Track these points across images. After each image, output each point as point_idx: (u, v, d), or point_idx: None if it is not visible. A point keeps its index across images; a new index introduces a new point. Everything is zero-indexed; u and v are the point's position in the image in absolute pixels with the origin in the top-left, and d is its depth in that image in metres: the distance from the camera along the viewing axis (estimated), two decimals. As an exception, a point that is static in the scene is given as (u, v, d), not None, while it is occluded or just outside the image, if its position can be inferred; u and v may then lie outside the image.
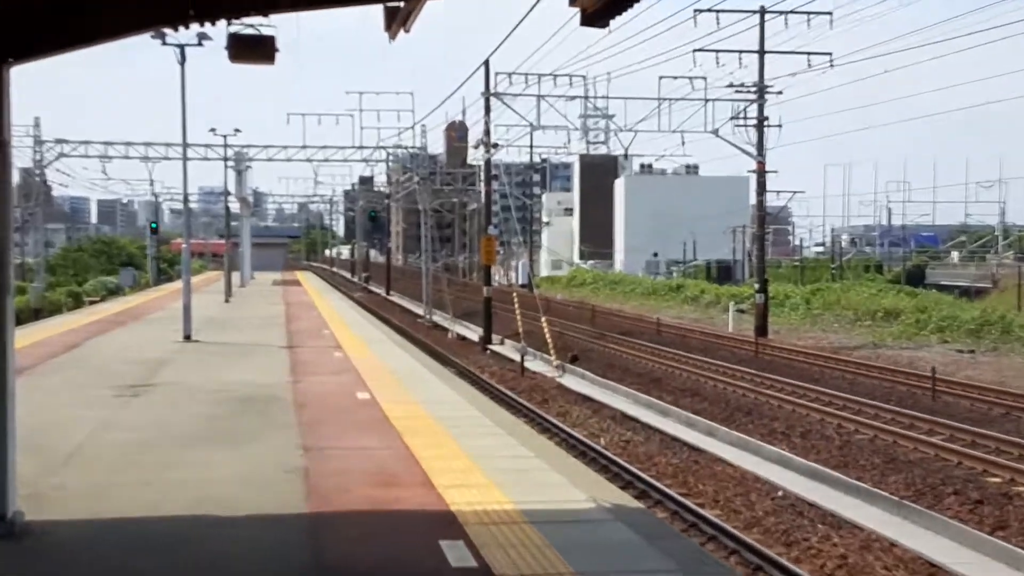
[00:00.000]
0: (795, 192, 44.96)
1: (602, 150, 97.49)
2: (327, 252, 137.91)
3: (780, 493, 14.18)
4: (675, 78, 37.56)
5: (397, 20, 7.51)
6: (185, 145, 24.72)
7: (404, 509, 8.24)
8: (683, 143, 40.01)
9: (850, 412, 20.01)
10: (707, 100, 37.14)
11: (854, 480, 14.29)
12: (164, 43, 22.21)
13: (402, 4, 7.33)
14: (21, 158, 48.26)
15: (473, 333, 39.12)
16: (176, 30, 9.01)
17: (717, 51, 36.29)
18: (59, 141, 44.78)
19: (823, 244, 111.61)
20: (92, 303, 46.91)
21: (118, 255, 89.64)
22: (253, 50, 7.96)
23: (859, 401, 20.99)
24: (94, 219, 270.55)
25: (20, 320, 29.22)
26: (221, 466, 9.69)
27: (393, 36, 7.81)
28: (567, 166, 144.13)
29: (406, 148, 51.76)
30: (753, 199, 43.31)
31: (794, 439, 17.82)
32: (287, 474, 9.37)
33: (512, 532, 7.53)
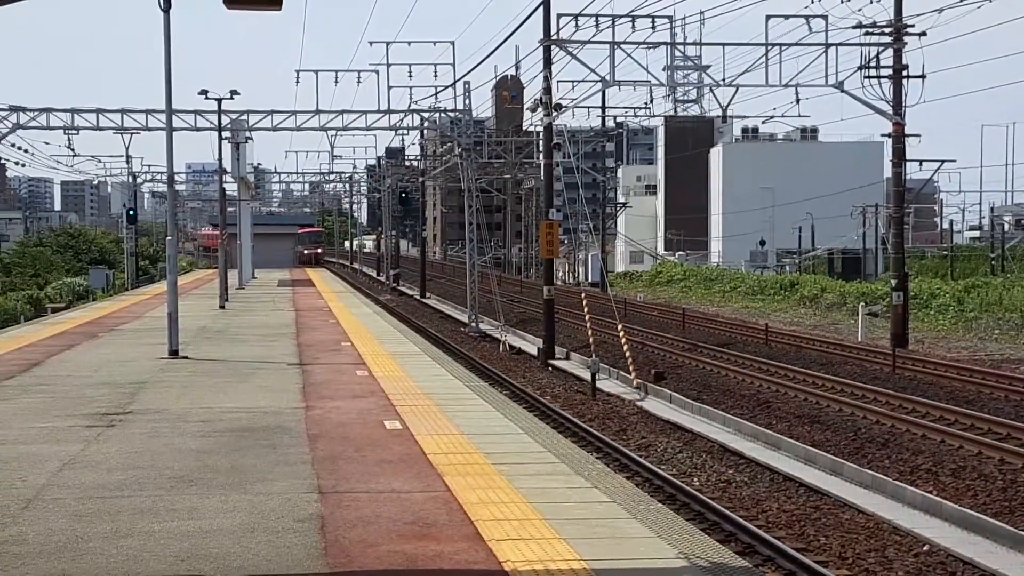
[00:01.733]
0: (943, 161, 44.21)
1: (694, 111, 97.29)
2: (346, 244, 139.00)
3: (926, 548, 14.03)
4: (787, 17, 37.35)
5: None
6: (170, 112, 25.02)
7: (446, 568, 8.27)
8: (797, 100, 39.54)
9: (1016, 444, 19.74)
10: (828, 45, 36.88)
11: (1022, 531, 14.09)
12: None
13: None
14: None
15: (531, 345, 39.19)
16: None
17: (841, -19, 36.03)
18: (13, 109, 45.62)
19: (980, 227, 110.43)
20: (56, 311, 47.76)
21: (87, 250, 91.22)
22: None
23: (1028, 429, 20.70)
24: (57, 205, 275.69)
25: (-32, 332, 29.82)
26: (216, 514, 9.80)
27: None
28: (649, 132, 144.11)
29: (445, 111, 51.95)
30: (888, 171, 42.86)
31: (943, 479, 17.63)
32: (299, 524, 9.45)
33: (582, 598, 7.53)
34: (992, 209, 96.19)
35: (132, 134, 50.22)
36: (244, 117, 48.25)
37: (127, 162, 73.35)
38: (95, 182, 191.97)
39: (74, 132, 47.42)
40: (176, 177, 26.67)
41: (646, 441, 21.84)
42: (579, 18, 36.40)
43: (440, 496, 10.45)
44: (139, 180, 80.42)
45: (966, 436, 20.37)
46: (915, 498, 16.06)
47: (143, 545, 8.84)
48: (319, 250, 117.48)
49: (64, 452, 12.65)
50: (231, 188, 57.62)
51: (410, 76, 51.32)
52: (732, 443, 21.07)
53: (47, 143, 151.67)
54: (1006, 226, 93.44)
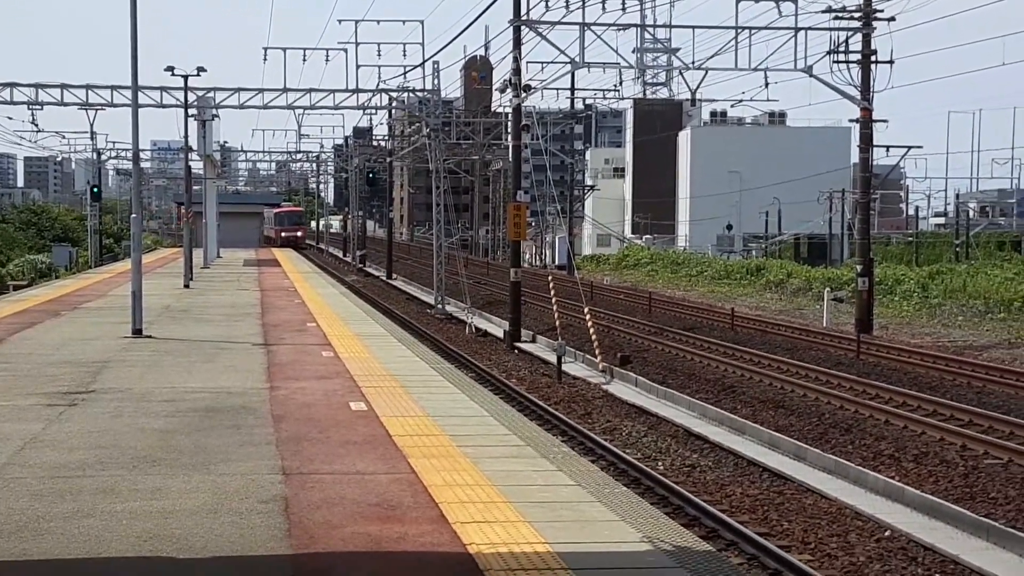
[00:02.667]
0: (910, 148, 44.56)
1: (663, 94, 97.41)
2: (313, 224, 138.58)
3: (887, 533, 14.15)
4: (757, 0, 37.40)
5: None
6: (136, 88, 24.83)
7: (409, 551, 8.28)
8: (766, 85, 39.75)
9: (977, 430, 19.92)
10: (798, 29, 36.98)
11: (983, 517, 14.22)
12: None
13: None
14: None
15: (497, 327, 39.22)
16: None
17: (811, -35, 36.12)
18: (-24, 83, 45.13)
19: (945, 214, 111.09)
20: (17, 288, 47.42)
21: (50, 228, 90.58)
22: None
23: (990, 416, 20.90)
24: (20, 182, 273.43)
25: (-72, 309, 29.56)
26: (179, 495, 9.77)
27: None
28: (618, 115, 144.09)
29: (413, 91, 51.80)
30: (855, 156, 43.04)
31: (905, 464, 17.77)
32: (263, 504, 9.44)
33: (546, 581, 7.55)
34: (957, 196, 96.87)
35: (97, 110, 49.90)
36: (211, 94, 47.91)
37: (92, 139, 72.78)
38: (59, 158, 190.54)
39: (38, 108, 46.95)
40: (141, 154, 26.49)
41: (611, 425, 21.91)
42: (549, -1, 36.36)
43: (405, 478, 10.45)
44: (104, 157, 79.89)
45: (929, 422, 20.54)
46: (877, 483, 16.18)
47: (105, 525, 8.81)
48: (299, 232, 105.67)
49: (25, 431, 12.57)
50: (197, 166, 57.22)
51: (379, 55, 50.95)
52: (697, 427, 21.17)
53: (10, 118, 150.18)
54: (971, 213, 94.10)
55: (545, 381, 27.71)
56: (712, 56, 38.02)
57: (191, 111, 45.63)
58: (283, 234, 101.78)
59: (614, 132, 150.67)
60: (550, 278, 38.11)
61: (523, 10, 36.46)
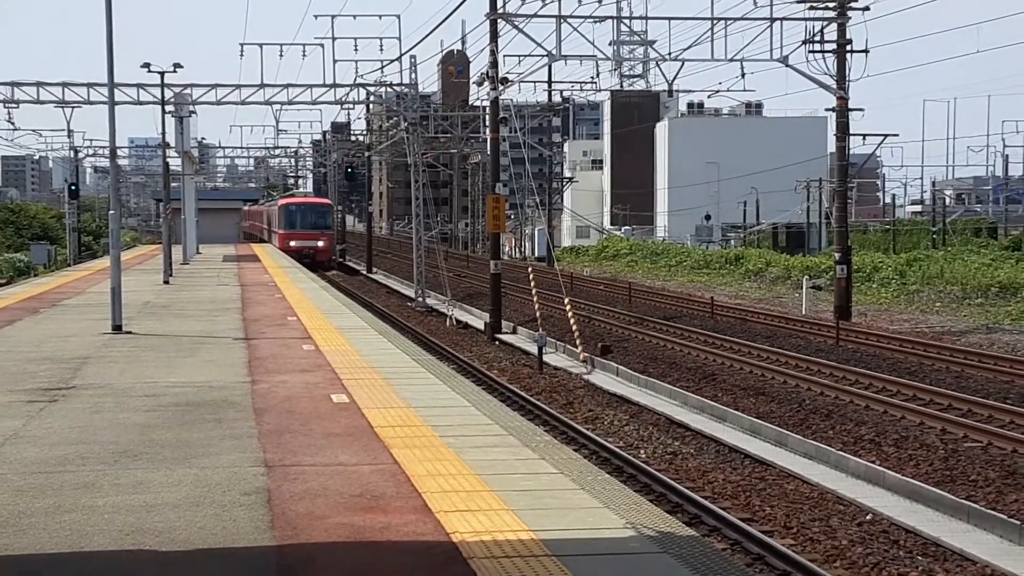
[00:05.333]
0: (886, 136, 44.57)
1: (640, 86, 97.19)
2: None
3: (869, 517, 14.19)
4: (732, -8, 37.37)
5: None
6: (112, 85, 24.70)
7: (393, 540, 8.25)
8: (743, 75, 39.71)
9: (957, 414, 20.00)
10: (773, 20, 37.03)
11: (963, 500, 14.28)
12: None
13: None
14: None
15: (477, 319, 39.21)
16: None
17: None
18: (-49, 82, 44.85)
19: (921, 202, 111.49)
20: (-3, 286, 47.13)
21: (28, 226, 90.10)
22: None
23: (968, 400, 20.99)
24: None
25: (-93, 308, 29.36)
26: (162, 488, 9.71)
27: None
28: (595, 107, 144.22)
29: (391, 86, 51.67)
30: (832, 145, 43.19)
31: (886, 449, 17.82)
32: (245, 497, 9.39)
33: (530, 568, 7.54)
34: (934, 183, 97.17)
35: (74, 108, 49.63)
36: (188, 91, 47.76)
37: (68, 136, 72.45)
38: (36, 157, 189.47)
39: (13, 105, 46.76)
40: (119, 151, 26.37)
41: (593, 414, 21.92)
42: (526, -9, 36.29)
43: (387, 469, 10.41)
44: (81, 155, 79.46)
45: (908, 407, 20.61)
46: (858, 468, 16.23)
47: (86, 520, 8.74)
48: (321, 242, 67.68)
49: (5, 427, 12.48)
50: (175, 163, 57.03)
51: (356, 50, 50.93)
52: (678, 415, 21.20)
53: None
54: (947, 200, 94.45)
55: (527, 372, 27.70)
56: (688, 47, 38.10)
57: (168, 108, 45.42)
58: (295, 243, 65.90)
59: (592, 124, 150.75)
60: (530, 270, 38.06)
61: (499, 3, 36.43)
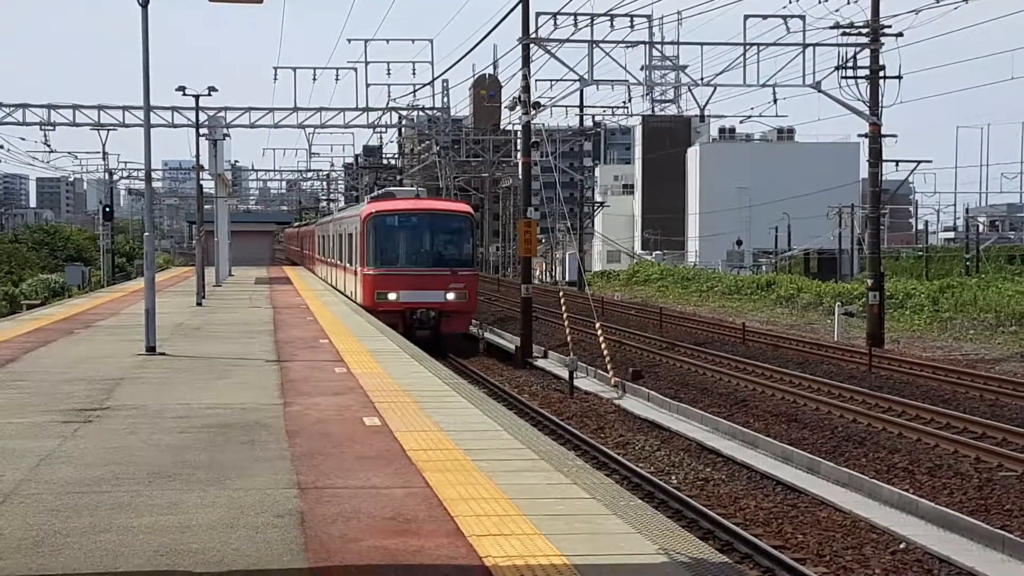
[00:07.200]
0: (919, 162, 44.43)
1: (671, 111, 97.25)
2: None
3: (903, 546, 14.09)
4: (764, 17, 37.48)
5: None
6: (148, 108, 24.88)
7: (426, 564, 8.25)
8: (775, 100, 39.67)
9: (991, 443, 19.85)
10: (806, 45, 37.02)
11: (998, 529, 14.16)
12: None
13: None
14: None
15: (508, 343, 39.19)
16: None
17: (818, -18, 36.13)
18: (-11, 104, 45.35)
19: (954, 228, 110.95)
20: (31, 307, 47.49)
21: (63, 247, 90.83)
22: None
23: (1003, 429, 20.82)
24: (33, 202, 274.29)
25: (-57, 328, 29.62)
26: (196, 509, 9.75)
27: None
28: (627, 132, 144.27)
29: (423, 110, 51.94)
30: (865, 171, 43.02)
31: (919, 477, 17.70)
32: (278, 519, 9.41)
33: (563, 593, 7.52)
34: (967, 210, 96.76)
35: (109, 130, 50.07)
36: (222, 114, 48.14)
37: (104, 158, 72.95)
38: (71, 179, 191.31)
39: (50, 128, 47.25)
40: (153, 174, 26.54)
41: (624, 439, 21.87)
42: (558, 16, 36.49)
43: (420, 492, 10.42)
44: (116, 177, 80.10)
45: (942, 435, 20.46)
46: (892, 496, 16.12)
47: (121, 540, 8.79)
48: (453, 296, 36.51)
49: (41, 447, 12.57)
50: (208, 185, 57.35)
51: (388, 74, 51.42)
52: (709, 441, 21.12)
53: (23, 139, 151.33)
54: (980, 227, 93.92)
55: (557, 396, 27.67)
56: (720, 72, 38.14)
57: (202, 131, 45.76)
58: (398, 294, 36.91)
59: (623, 149, 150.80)
60: (561, 294, 38.04)
61: (532, 28, 36.55)
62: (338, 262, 48.23)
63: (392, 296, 36.44)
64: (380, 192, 46.46)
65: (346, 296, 41.29)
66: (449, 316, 36.22)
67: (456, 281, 36.28)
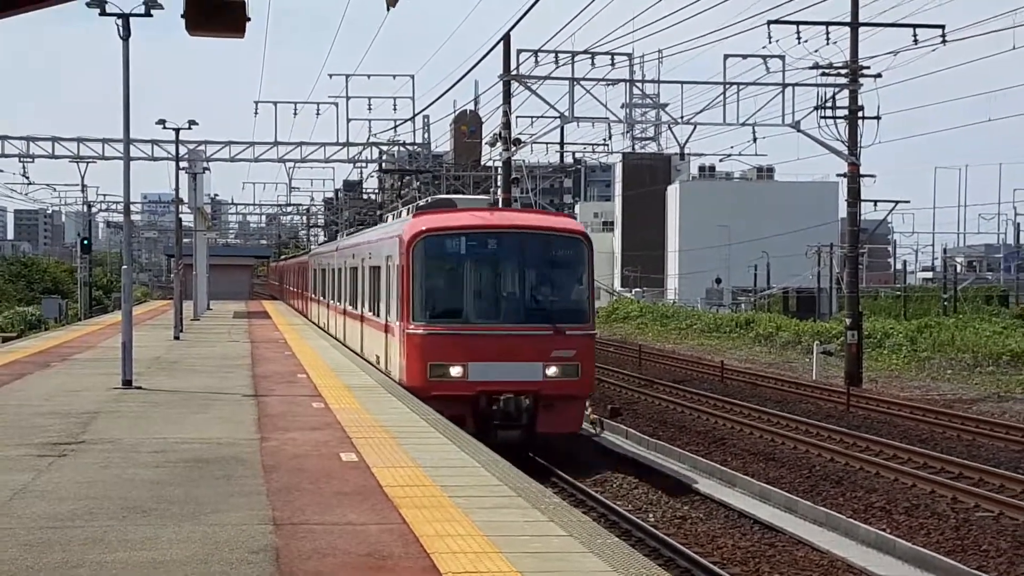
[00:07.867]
0: (897, 202, 44.85)
1: (652, 148, 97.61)
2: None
3: (879, 585, 14.09)
4: (745, 57, 37.78)
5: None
6: (128, 141, 24.92)
7: (401, 601, 8.22)
8: (754, 139, 40.00)
9: (968, 483, 19.90)
10: (785, 85, 37.31)
11: (974, 570, 14.18)
12: (103, 12, 22.43)
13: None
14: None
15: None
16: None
17: (798, 23, 36.48)
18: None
19: (932, 268, 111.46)
20: (6, 340, 47.25)
21: (40, 280, 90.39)
22: (217, 17, 8.02)
23: (980, 469, 20.89)
24: (10, 234, 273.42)
25: (-83, 360, 29.43)
26: (170, 545, 9.70)
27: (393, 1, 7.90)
28: (607, 169, 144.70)
29: (404, 145, 52.08)
30: (843, 211, 43.30)
31: (896, 516, 17.73)
32: (253, 555, 9.38)
33: (538, 631, 7.51)
34: (945, 250, 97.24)
35: (88, 163, 50.03)
36: (202, 147, 48.12)
37: (82, 191, 72.92)
38: (49, 211, 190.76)
39: (29, 160, 47.15)
40: (132, 207, 26.52)
41: (602, 476, 21.82)
42: (539, 54, 36.72)
43: (396, 528, 10.39)
44: (94, 210, 79.93)
45: (919, 475, 20.51)
46: (868, 536, 16.14)
47: (95, 575, 8.74)
48: (555, 370, 22.26)
49: (14, 481, 12.49)
50: (187, 219, 57.33)
51: (369, 109, 51.45)
52: (687, 479, 21.11)
53: (1, 171, 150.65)
54: (958, 267, 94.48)
55: (535, 433, 27.58)
56: (701, 111, 38.45)
57: (182, 164, 45.74)
58: (464, 369, 22.30)
59: (603, 186, 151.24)
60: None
61: (513, 65, 36.75)
62: (353, 309, 32.52)
63: (456, 371, 22.60)
64: (430, 201, 31.39)
65: (368, 361, 28.32)
66: (551, 406, 22.49)
67: (564, 346, 22.87)
